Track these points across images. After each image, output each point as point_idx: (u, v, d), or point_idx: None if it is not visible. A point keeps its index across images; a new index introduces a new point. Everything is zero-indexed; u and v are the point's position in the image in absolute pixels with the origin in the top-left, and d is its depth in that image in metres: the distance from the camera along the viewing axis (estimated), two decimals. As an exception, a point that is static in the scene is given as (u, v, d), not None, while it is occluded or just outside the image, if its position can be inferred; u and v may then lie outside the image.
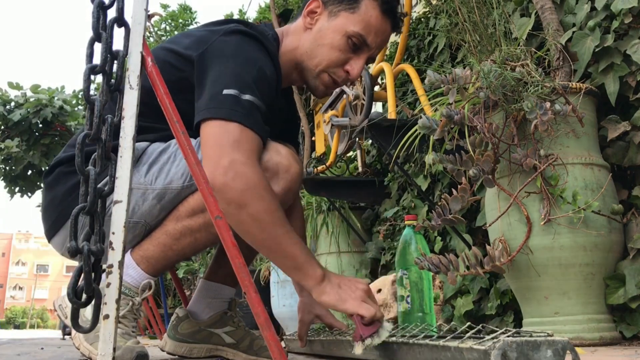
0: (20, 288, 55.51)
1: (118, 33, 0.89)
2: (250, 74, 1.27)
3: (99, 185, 0.79)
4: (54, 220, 1.38)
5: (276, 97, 1.38)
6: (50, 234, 1.41)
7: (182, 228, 1.32)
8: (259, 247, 1.18)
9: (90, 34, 0.82)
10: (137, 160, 1.31)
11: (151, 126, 1.33)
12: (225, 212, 1.11)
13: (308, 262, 1.16)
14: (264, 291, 3.09)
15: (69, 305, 1.28)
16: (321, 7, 1.41)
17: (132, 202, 1.30)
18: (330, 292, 1.14)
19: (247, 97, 1.22)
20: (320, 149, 3.58)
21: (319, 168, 3.06)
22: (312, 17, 1.42)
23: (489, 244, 1.51)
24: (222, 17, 1.55)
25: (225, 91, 1.21)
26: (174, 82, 1.24)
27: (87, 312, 1.23)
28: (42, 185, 1.55)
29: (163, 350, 1.55)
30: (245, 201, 1.12)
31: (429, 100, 1.83)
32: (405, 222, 1.56)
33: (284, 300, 2.86)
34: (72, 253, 0.73)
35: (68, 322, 1.29)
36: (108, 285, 0.77)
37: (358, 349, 1.10)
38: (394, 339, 1.09)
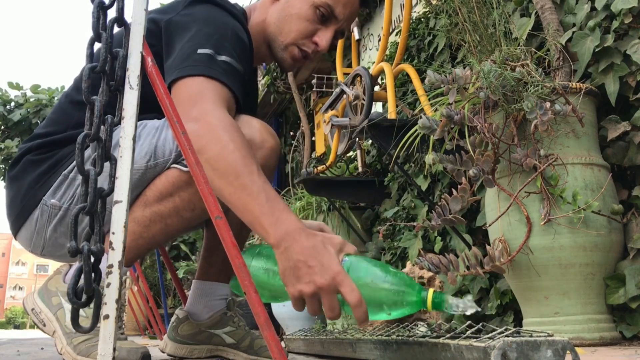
0: (20, 288, 55.49)
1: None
2: (225, 36, 1.23)
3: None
4: (18, 213, 1.29)
5: (249, 67, 1.35)
6: (16, 228, 1.31)
7: (152, 214, 1.23)
8: (222, 199, 1.00)
9: (90, 34, 0.82)
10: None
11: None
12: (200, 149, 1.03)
13: (260, 221, 0.95)
14: (264, 291, 3.09)
15: (44, 309, 1.25)
16: None
17: None
18: (282, 265, 0.94)
19: (223, 57, 1.18)
20: (320, 149, 3.58)
21: (319, 168, 3.06)
22: None
23: (489, 244, 1.51)
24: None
25: (200, 50, 1.17)
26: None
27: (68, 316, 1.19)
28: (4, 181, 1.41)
29: (164, 352, 1.54)
30: (202, 145, 1.01)
31: (429, 100, 1.83)
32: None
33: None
34: (72, 253, 0.73)
35: (46, 329, 1.23)
36: (108, 285, 0.77)
37: None
38: (394, 337, 1.09)
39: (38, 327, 1.26)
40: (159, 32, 1.28)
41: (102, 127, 0.80)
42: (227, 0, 1.39)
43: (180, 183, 1.24)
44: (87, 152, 1.16)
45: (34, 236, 1.30)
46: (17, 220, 1.30)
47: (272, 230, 0.94)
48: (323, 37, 1.38)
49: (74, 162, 1.23)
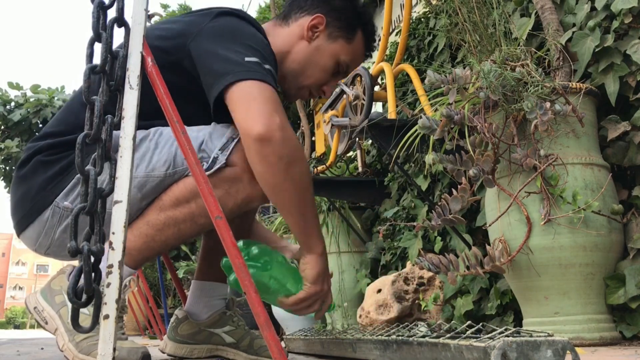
0: (20, 288, 55.50)
1: (118, 33, 0.89)
2: (264, 48, 1.30)
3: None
4: (27, 212, 1.30)
5: None
6: (22, 227, 1.32)
7: (166, 218, 1.25)
8: (288, 204, 1.21)
9: (90, 34, 0.82)
10: (117, 148, 1.27)
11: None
12: (273, 166, 1.16)
13: (315, 233, 1.27)
14: (264, 291, 3.09)
15: (47, 307, 1.26)
16: (323, 26, 1.47)
17: None
18: (315, 270, 1.26)
19: (267, 66, 1.24)
20: (320, 149, 3.58)
21: (319, 168, 3.06)
22: (314, 32, 1.47)
23: (489, 244, 1.51)
24: (193, 10, 1.54)
25: (247, 59, 1.22)
26: (161, 66, 1.26)
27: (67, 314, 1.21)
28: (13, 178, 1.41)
29: (164, 352, 1.54)
30: (295, 158, 1.17)
31: (429, 100, 1.83)
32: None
33: (284, 300, 2.85)
34: (72, 253, 0.73)
35: (48, 327, 1.24)
36: (108, 285, 0.77)
37: None
38: (394, 337, 1.09)
39: (40, 325, 1.26)
40: (181, 46, 1.30)
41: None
42: (251, 16, 1.44)
43: (198, 190, 1.25)
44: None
45: (41, 236, 1.31)
46: (25, 219, 1.31)
47: (320, 241, 1.28)
48: (330, 88, 1.54)
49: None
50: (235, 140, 1.25)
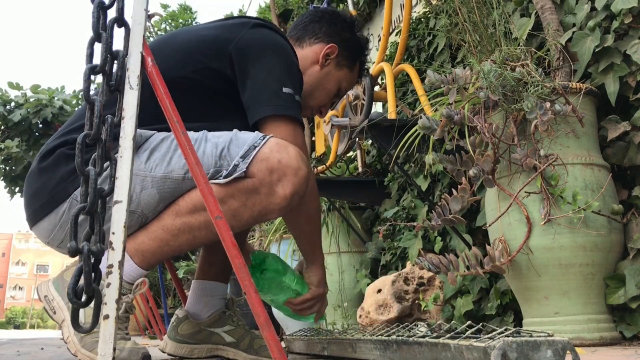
0: (20, 288, 55.49)
1: (118, 33, 0.89)
2: (297, 75, 1.42)
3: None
4: (44, 204, 1.29)
5: None
6: (37, 218, 1.31)
7: (182, 225, 1.25)
8: (299, 230, 1.47)
9: (90, 34, 0.82)
10: (138, 146, 1.26)
11: (156, 119, 1.30)
12: (304, 202, 1.35)
13: (319, 247, 1.53)
14: (264, 291, 3.08)
15: (57, 297, 1.26)
16: (335, 55, 1.61)
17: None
18: (318, 276, 1.53)
19: (297, 97, 1.38)
20: (320, 149, 3.58)
21: (319, 168, 3.06)
22: (326, 60, 1.61)
23: (489, 244, 1.51)
24: (222, 17, 1.59)
25: (284, 89, 1.35)
26: (196, 70, 1.36)
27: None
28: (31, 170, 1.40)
29: (164, 352, 1.54)
30: (316, 196, 1.43)
31: (429, 100, 1.84)
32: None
33: (284, 300, 2.85)
34: (72, 253, 0.73)
35: (55, 316, 1.24)
36: (108, 285, 0.77)
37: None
38: (394, 337, 1.09)
39: (48, 314, 1.26)
40: (221, 53, 1.36)
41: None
42: (282, 31, 1.51)
43: (216, 198, 1.26)
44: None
45: (56, 228, 1.29)
46: (41, 210, 1.30)
47: (321, 254, 1.54)
48: (326, 111, 1.70)
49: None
50: (257, 149, 1.25)
